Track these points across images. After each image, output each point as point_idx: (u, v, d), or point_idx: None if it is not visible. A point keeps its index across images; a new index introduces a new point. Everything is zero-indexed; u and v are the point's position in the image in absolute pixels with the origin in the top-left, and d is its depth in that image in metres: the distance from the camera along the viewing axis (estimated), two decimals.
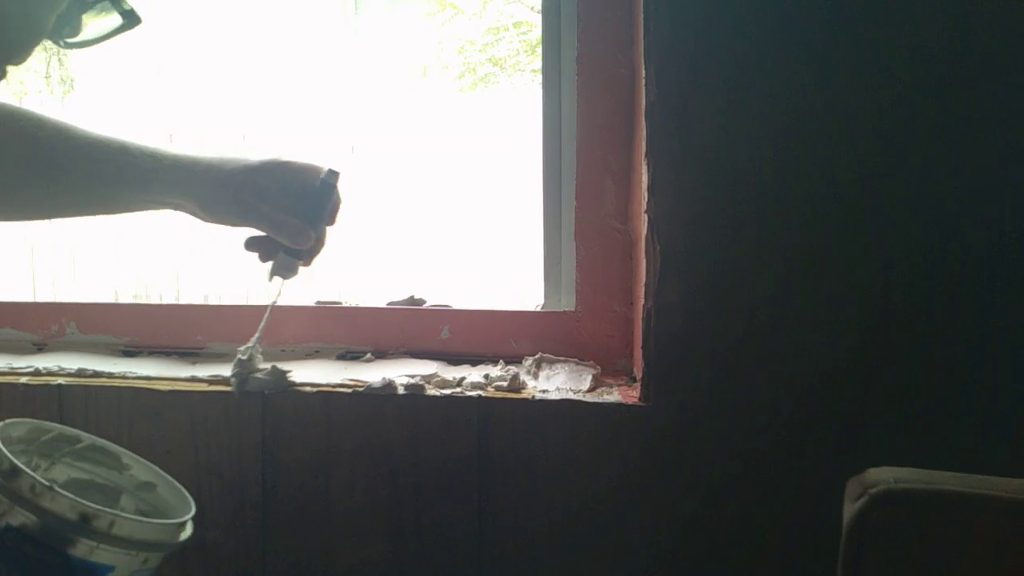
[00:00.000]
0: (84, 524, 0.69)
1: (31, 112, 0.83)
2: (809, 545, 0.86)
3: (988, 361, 0.83)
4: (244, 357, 0.96)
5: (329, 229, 0.90)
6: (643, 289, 0.89)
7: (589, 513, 0.90)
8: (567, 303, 1.02)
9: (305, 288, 1.09)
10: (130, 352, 1.07)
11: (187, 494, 0.82)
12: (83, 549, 0.69)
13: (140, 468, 0.85)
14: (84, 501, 0.69)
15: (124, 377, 0.99)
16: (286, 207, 0.86)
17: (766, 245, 0.85)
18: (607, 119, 0.97)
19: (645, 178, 0.88)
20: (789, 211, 0.85)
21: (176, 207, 0.87)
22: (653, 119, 0.87)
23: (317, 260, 0.91)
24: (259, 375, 0.95)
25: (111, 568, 0.70)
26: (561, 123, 1.02)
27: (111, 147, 0.84)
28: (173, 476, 0.96)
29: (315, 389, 0.95)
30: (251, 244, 0.90)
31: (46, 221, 0.92)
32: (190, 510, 0.80)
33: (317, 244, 0.89)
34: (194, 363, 1.03)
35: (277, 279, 0.90)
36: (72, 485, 0.82)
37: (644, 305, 0.89)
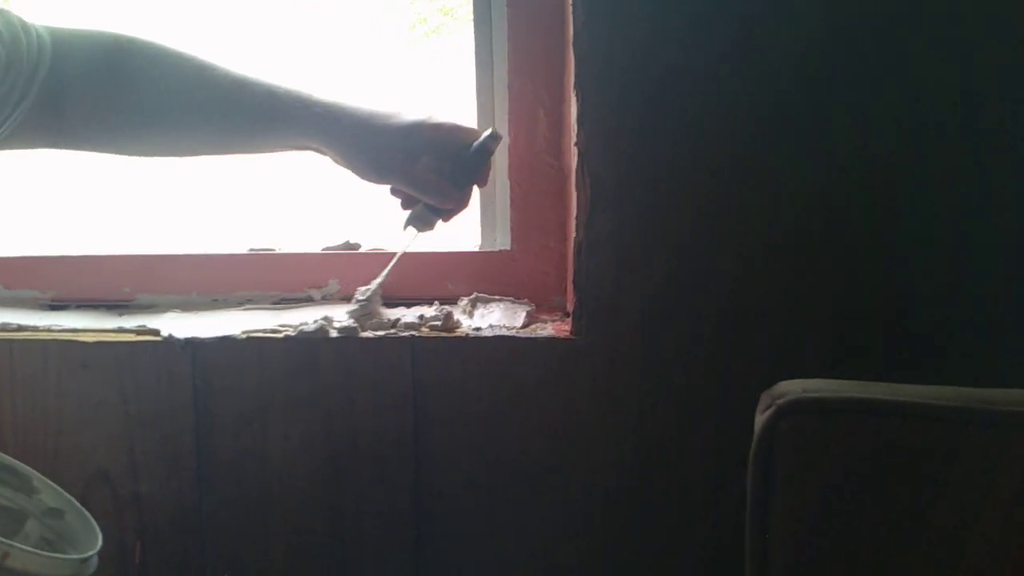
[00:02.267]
0: None
1: (161, 45, 0.81)
2: (731, 466, 0.87)
3: (898, 282, 0.84)
4: (363, 299, 0.95)
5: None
6: (575, 223, 0.88)
7: (525, 447, 0.90)
8: (503, 242, 1.00)
9: (238, 236, 1.07)
10: (56, 306, 1.04)
11: (95, 525, 0.77)
12: None
13: (49, 493, 0.79)
14: None
15: (49, 330, 0.96)
16: (434, 167, 0.85)
17: (697, 178, 0.85)
18: (538, 51, 0.95)
19: (574, 110, 0.87)
20: (719, 142, 0.84)
21: (317, 151, 0.86)
22: (580, 47, 0.85)
23: (458, 218, 0.90)
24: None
25: None
26: (493, 58, 0.99)
27: (257, 90, 0.82)
28: (104, 428, 0.95)
29: (246, 335, 0.93)
30: (395, 190, 0.89)
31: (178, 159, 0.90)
32: (96, 543, 0.74)
33: (460, 204, 0.88)
34: (122, 315, 1.01)
35: (411, 229, 0.90)
36: None
37: (575, 239, 0.88)
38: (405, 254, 0.96)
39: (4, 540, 0.63)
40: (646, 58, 0.84)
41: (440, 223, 0.90)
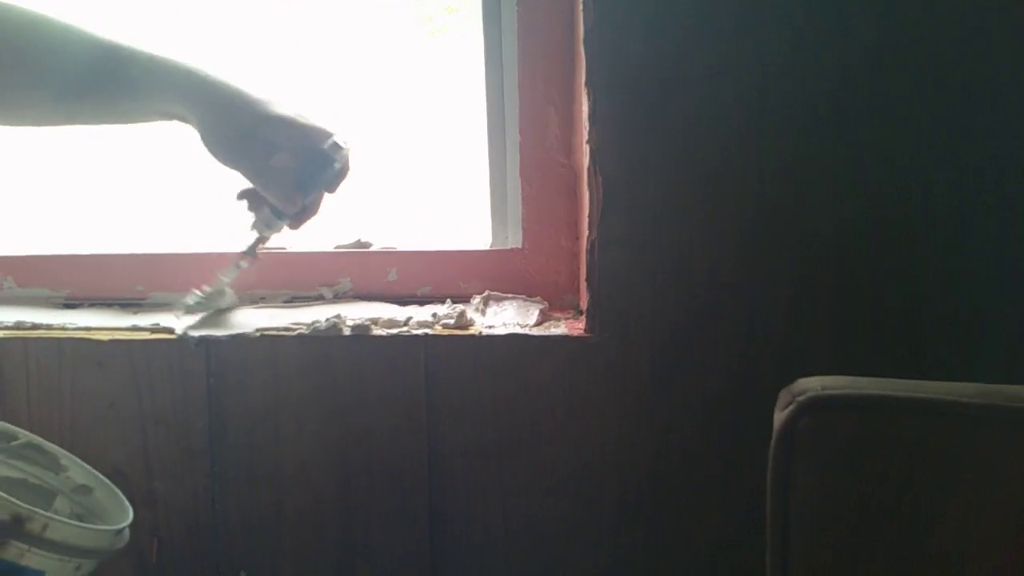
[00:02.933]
0: (16, 526, 0.64)
1: (25, 11, 0.76)
2: (748, 465, 0.87)
3: (919, 282, 0.84)
4: (192, 303, 0.95)
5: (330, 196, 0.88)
6: (587, 222, 0.88)
7: (537, 445, 0.91)
8: (514, 240, 1.01)
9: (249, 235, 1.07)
10: (70, 304, 1.05)
11: (124, 499, 0.79)
12: (13, 552, 0.65)
13: (77, 470, 0.81)
14: (17, 501, 0.65)
15: (63, 328, 0.97)
16: (289, 166, 0.83)
17: (710, 175, 0.85)
18: (549, 50, 0.95)
19: (586, 108, 0.87)
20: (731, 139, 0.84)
21: (182, 120, 0.82)
22: (591, 46, 0.85)
23: (307, 225, 0.89)
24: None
25: (41, 573, 0.67)
26: (503, 57, 0.99)
27: (118, 55, 0.78)
28: (118, 426, 0.95)
29: (260, 333, 0.93)
30: (242, 193, 0.89)
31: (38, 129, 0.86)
32: (127, 516, 0.76)
33: (306, 211, 0.87)
34: (136, 313, 1.01)
35: (254, 232, 0.89)
36: (5, 484, 0.78)
37: (588, 237, 0.88)
38: (257, 256, 0.94)
39: (44, 512, 0.66)
40: (657, 56, 0.84)
41: (288, 229, 0.89)
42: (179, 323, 0.94)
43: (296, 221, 0.88)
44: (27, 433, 0.82)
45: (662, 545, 0.91)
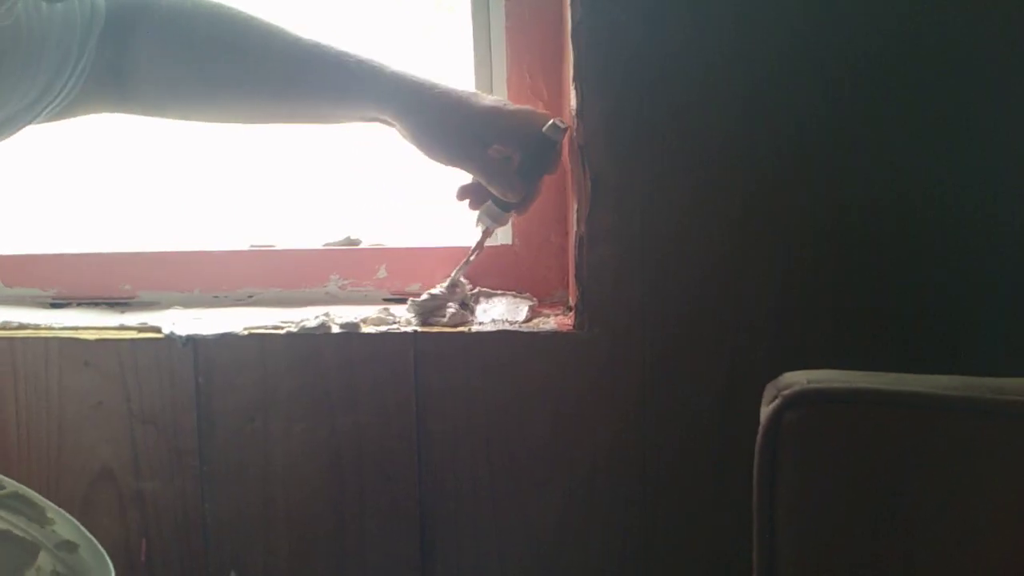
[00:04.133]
0: None
1: (236, 11, 0.79)
2: (741, 460, 0.87)
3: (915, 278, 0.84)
4: (436, 292, 0.94)
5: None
6: (575, 217, 0.88)
7: (528, 441, 0.90)
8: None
9: (237, 232, 1.07)
10: (57, 304, 1.04)
11: (108, 561, 0.75)
12: None
13: (64, 524, 0.77)
14: None
15: (50, 328, 0.96)
16: (505, 155, 0.84)
17: (699, 170, 0.85)
18: (537, 44, 0.95)
19: (573, 103, 0.87)
20: (720, 135, 0.84)
21: (386, 123, 0.84)
22: (579, 41, 0.84)
23: (531, 208, 0.89)
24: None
25: None
26: (491, 51, 0.99)
27: (328, 58, 0.80)
28: (106, 426, 0.95)
29: (248, 332, 0.93)
30: (463, 192, 0.89)
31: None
32: None
33: (528, 196, 0.87)
34: (123, 312, 1.01)
35: (482, 225, 0.90)
36: None
37: (576, 233, 0.88)
38: (484, 249, 0.94)
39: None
40: (646, 51, 0.83)
41: (514, 215, 0.90)
42: (413, 318, 0.93)
43: (522, 207, 0.88)
44: (14, 483, 0.78)
45: (651, 536, 0.91)
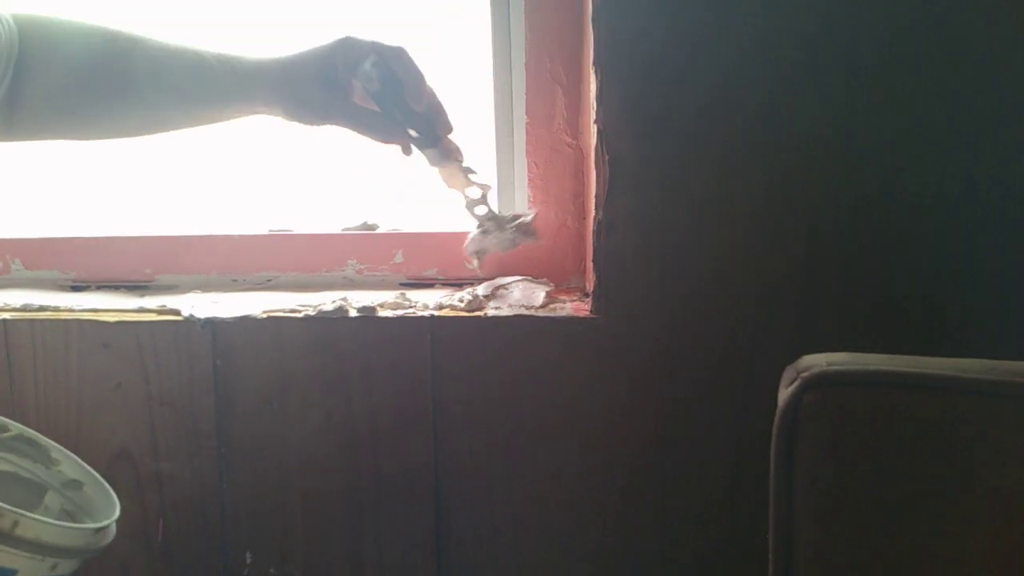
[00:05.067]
0: None
1: (100, 25, 0.79)
2: (755, 444, 0.87)
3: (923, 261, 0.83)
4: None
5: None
6: (594, 203, 0.88)
7: (544, 426, 0.90)
8: None
9: (256, 216, 1.07)
10: (77, 287, 1.05)
11: (114, 496, 0.77)
12: None
13: (69, 464, 0.79)
14: None
15: (70, 310, 0.97)
16: (371, 93, 0.81)
17: (718, 154, 0.84)
18: (556, 28, 0.94)
19: (593, 88, 0.86)
20: (740, 119, 0.83)
21: (263, 113, 0.83)
22: (600, 25, 0.84)
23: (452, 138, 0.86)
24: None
25: (13, 572, 0.64)
26: (510, 36, 0.99)
27: (186, 58, 0.79)
28: (125, 408, 0.95)
29: (266, 315, 0.93)
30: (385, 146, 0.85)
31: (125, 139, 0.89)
32: (113, 514, 0.74)
33: (429, 125, 0.83)
34: (142, 295, 1.01)
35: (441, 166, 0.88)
36: None
37: (594, 218, 0.87)
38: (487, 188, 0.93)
39: (13, 509, 0.63)
40: (669, 35, 0.83)
41: (442, 148, 0.86)
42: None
43: (428, 136, 0.84)
44: (18, 425, 0.80)
45: (667, 520, 0.91)
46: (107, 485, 0.78)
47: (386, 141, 0.83)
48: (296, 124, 0.83)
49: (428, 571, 0.95)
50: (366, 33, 0.84)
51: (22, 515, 0.63)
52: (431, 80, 0.86)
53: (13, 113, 0.78)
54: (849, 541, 0.54)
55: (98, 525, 0.71)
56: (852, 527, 0.54)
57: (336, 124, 0.83)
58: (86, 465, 0.80)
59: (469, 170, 0.91)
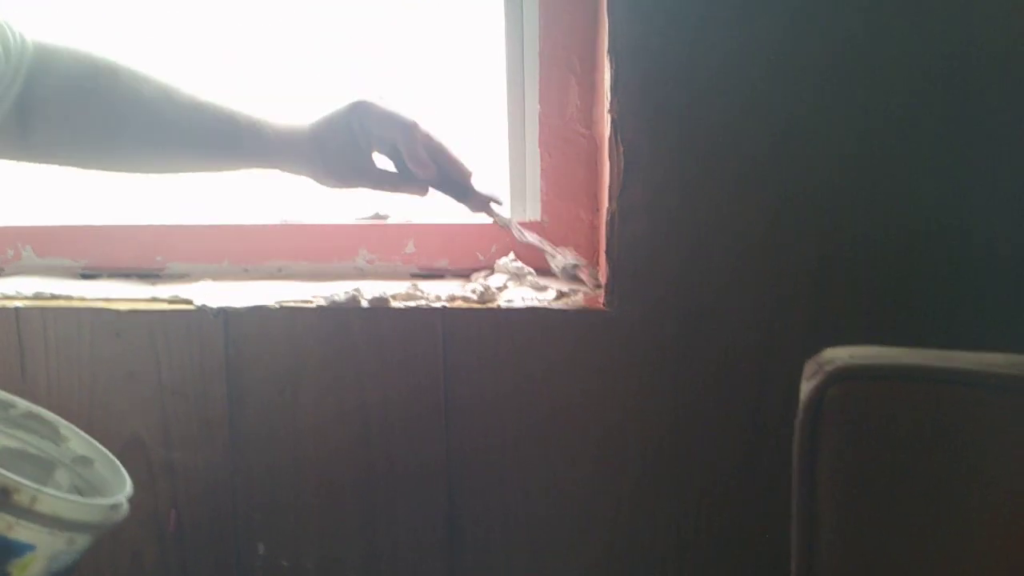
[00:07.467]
0: (3, 498, 0.62)
1: (133, 67, 0.80)
2: (770, 438, 0.86)
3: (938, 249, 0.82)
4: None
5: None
6: (607, 193, 0.87)
7: (556, 418, 0.90)
8: (533, 213, 0.99)
9: (268, 205, 1.07)
10: (88, 275, 1.05)
11: (124, 472, 0.77)
12: (1, 525, 0.62)
13: (77, 441, 0.79)
14: (5, 472, 0.62)
15: (82, 298, 0.97)
16: (389, 154, 0.85)
17: (735, 144, 0.83)
18: (570, 16, 0.94)
19: (608, 77, 0.86)
20: (757, 107, 0.82)
21: (280, 171, 0.87)
22: (615, 13, 0.83)
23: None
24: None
25: (31, 547, 0.64)
26: (523, 26, 0.98)
27: (218, 115, 0.82)
28: (137, 396, 0.95)
29: (279, 305, 0.93)
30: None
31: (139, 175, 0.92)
32: (124, 489, 0.75)
33: (422, 190, 0.86)
34: (154, 284, 1.01)
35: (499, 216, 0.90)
36: (3, 454, 0.77)
37: (608, 208, 0.87)
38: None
39: (32, 485, 0.63)
40: (681, 23, 0.82)
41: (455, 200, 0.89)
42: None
43: (454, 190, 0.87)
44: (26, 402, 0.80)
45: (682, 513, 0.91)
46: (117, 462, 0.78)
47: (409, 194, 0.87)
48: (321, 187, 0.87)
49: (441, 563, 0.95)
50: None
51: (40, 490, 0.64)
52: (438, 120, 0.87)
53: (29, 138, 0.78)
54: (872, 535, 0.54)
55: (112, 501, 0.71)
56: (875, 520, 0.53)
57: (360, 187, 0.87)
58: (95, 442, 0.80)
59: (503, 219, 0.91)
